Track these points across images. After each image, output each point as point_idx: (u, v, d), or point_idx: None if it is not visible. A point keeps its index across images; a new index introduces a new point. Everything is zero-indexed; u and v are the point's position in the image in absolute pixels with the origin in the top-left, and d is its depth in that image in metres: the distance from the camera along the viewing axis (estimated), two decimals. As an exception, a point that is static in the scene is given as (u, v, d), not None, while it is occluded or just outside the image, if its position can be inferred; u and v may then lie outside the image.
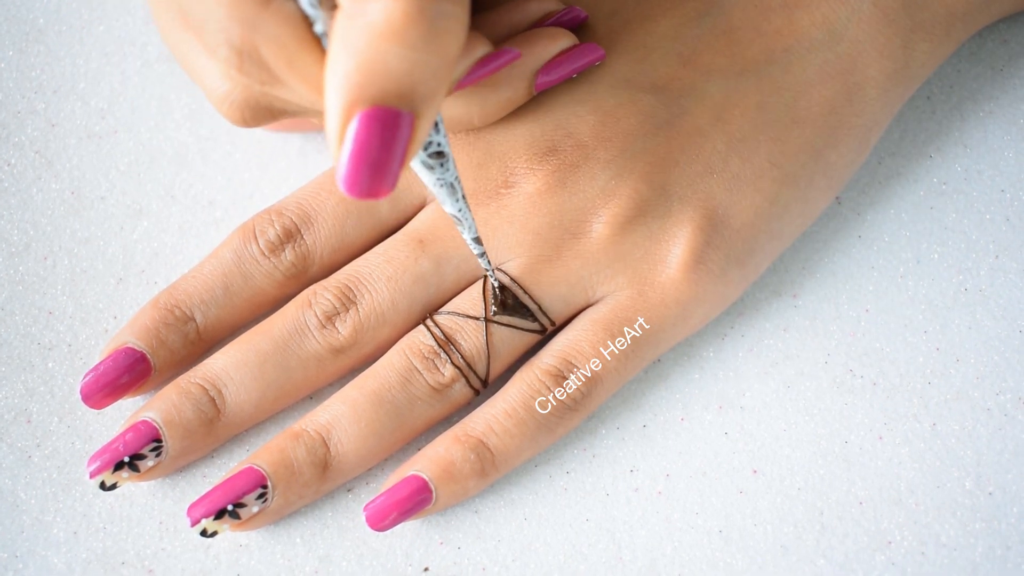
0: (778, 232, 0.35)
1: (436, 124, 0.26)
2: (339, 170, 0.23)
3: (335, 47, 0.22)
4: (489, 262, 0.33)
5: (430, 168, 0.27)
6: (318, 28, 0.24)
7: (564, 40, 0.33)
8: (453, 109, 0.33)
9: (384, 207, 0.35)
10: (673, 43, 0.35)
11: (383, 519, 0.34)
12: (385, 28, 0.22)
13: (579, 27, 0.35)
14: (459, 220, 0.30)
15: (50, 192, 0.38)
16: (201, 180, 0.39)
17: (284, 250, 0.35)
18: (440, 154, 0.27)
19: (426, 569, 0.35)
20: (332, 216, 0.35)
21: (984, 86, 0.40)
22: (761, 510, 0.36)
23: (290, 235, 0.35)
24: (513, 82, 0.32)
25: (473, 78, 0.31)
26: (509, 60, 0.32)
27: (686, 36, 0.35)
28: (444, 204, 0.29)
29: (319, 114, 0.28)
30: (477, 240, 0.31)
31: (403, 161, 0.23)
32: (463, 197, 0.29)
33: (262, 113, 0.27)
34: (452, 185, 0.28)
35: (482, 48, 0.30)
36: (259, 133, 0.39)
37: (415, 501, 0.34)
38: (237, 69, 0.25)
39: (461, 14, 0.23)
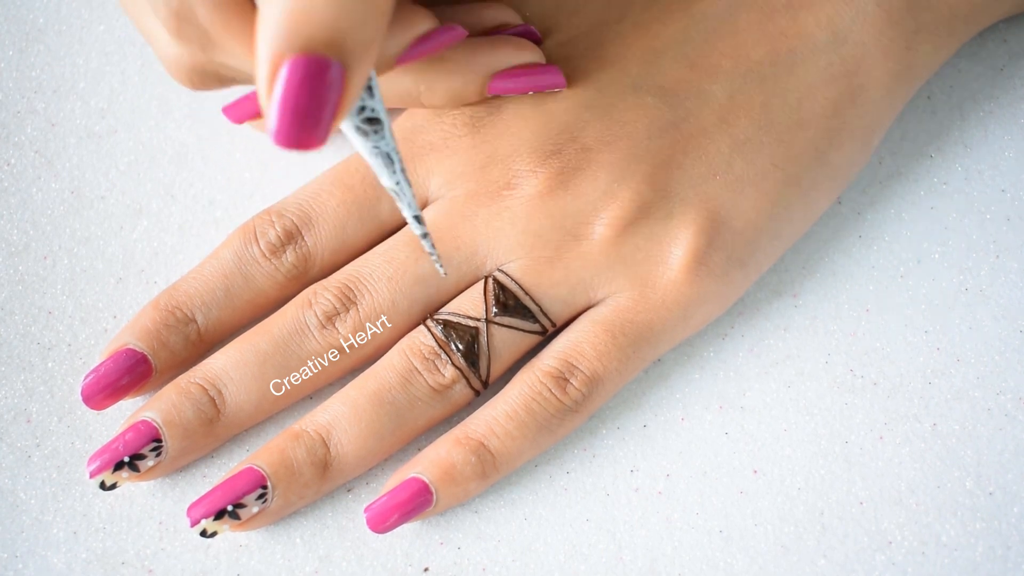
0: (780, 233, 0.35)
1: (371, 89, 0.26)
2: (268, 121, 0.23)
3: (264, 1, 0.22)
4: (433, 246, 0.31)
5: (364, 134, 0.26)
6: None
7: (530, 54, 0.33)
8: (400, 82, 0.32)
9: (385, 208, 0.35)
10: (681, 46, 0.35)
11: (384, 521, 0.34)
12: None
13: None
14: (397, 195, 0.29)
15: (50, 192, 0.38)
16: (201, 180, 0.39)
17: (285, 251, 0.35)
18: (374, 120, 0.26)
19: (426, 569, 0.35)
20: (333, 217, 0.35)
21: (984, 86, 0.40)
22: (761, 510, 0.36)
23: (291, 236, 0.35)
24: (466, 75, 0.32)
25: (416, 52, 0.30)
26: (453, 38, 0.30)
27: (694, 39, 0.35)
28: (380, 176, 0.28)
29: None
30: (418, 219, 0.30)
31: (334, 113, 0.23)
32: (402, 170, 0.28)
33: (209, 78, 0.27)
34: (388, 156, 0.27)
35: (425, 23, 0.29)
36: (258, 133, 0.39)
37: (416, 503, 0.34)
38: (175, 33, 0.25)
39: None
